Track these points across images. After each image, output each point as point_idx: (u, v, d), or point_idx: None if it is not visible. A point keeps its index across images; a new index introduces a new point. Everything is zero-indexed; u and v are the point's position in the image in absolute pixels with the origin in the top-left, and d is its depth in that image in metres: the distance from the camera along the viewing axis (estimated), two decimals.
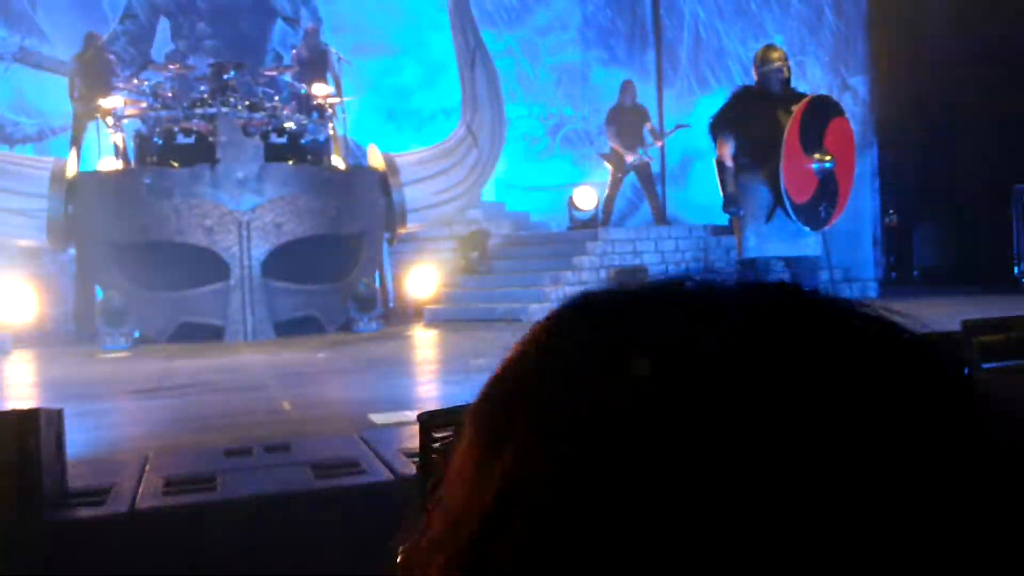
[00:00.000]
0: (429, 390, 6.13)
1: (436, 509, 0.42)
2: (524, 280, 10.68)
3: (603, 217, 12.14)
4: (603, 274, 11.20)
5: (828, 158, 6.77)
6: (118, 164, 10.21)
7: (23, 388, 6.84)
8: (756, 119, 6.73)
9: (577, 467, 0.37)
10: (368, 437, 3.48)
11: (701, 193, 11.70)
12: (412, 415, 4.88)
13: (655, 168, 12.94)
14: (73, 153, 10.36)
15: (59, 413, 3.11)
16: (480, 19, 11.82)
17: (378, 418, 4.73)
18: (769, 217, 6.74)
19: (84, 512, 2.64)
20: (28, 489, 2.58)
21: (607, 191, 12.34)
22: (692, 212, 12.74)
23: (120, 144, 10.35)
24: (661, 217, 12.73)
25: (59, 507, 2.67)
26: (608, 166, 12.43)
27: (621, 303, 0.43)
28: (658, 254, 11.42)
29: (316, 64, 11.63)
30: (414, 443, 3.40)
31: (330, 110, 11.00)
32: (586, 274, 10.89)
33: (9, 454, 2.58)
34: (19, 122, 13.24)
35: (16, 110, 13.16)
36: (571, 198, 12.09)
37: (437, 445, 1.77)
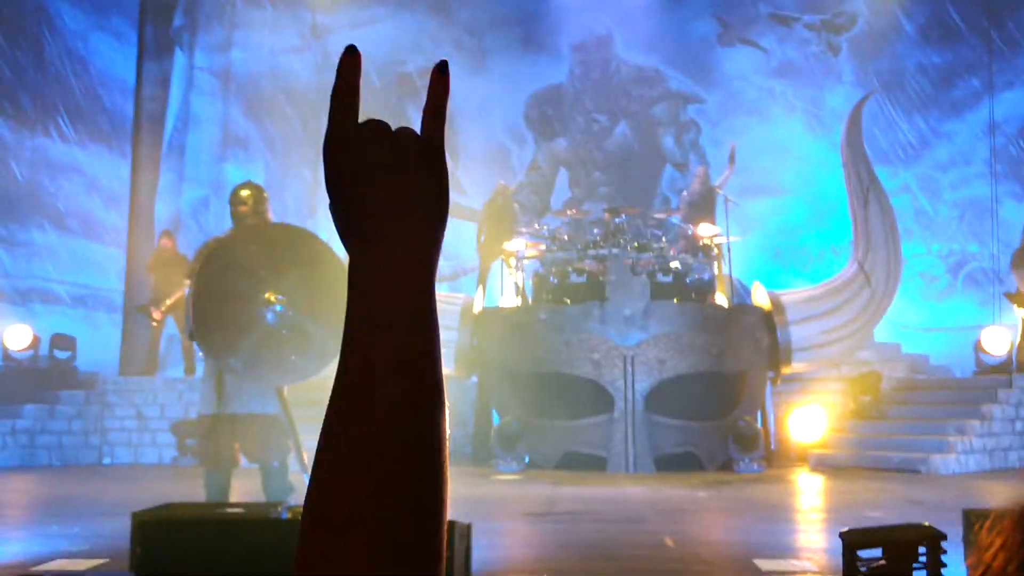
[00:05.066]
0: (817, 540, 5.78)
1: None
2: (923, 428, 9.86)
3: (1017, 363, 10.92)
4: (1019, 426, 10.00)
5: None
6: (517, 301, 11.11)
7: None
8: None
9: None
10: None
11: None
12: (800, 564, 4.64)
13: None
14: (480, 291, 11.45)
15: (468, 528, 3.37)
16: (874, 157, 11.48)
17: (764, 564, 4.55)
18: None
19: None
20: None
21: (1020, 334, 11.13)
22: None
23: (519, 283, 11.28)
24: None
25: None
26: (1018, 308, 11.25)
27: None
28: None
29: (703, 205, 11.92)
30: None
31: (716, 249, 11.17)
32: (997, 425, 9.81)
33: None
34: None
35: None
36: (978, 340, 11.07)
37: (861, 567, 1.70)
